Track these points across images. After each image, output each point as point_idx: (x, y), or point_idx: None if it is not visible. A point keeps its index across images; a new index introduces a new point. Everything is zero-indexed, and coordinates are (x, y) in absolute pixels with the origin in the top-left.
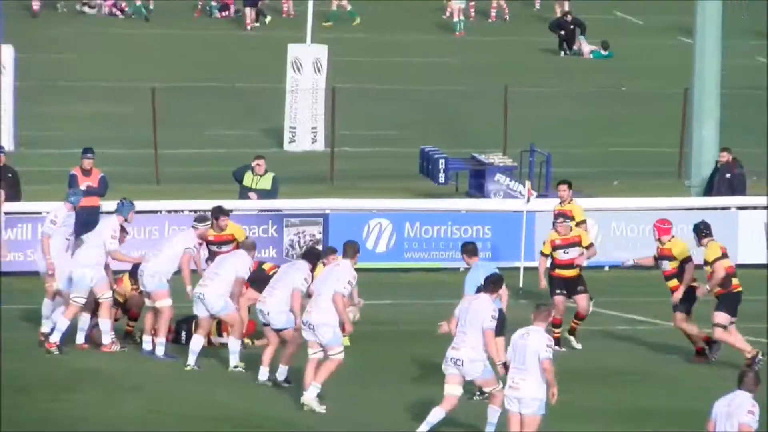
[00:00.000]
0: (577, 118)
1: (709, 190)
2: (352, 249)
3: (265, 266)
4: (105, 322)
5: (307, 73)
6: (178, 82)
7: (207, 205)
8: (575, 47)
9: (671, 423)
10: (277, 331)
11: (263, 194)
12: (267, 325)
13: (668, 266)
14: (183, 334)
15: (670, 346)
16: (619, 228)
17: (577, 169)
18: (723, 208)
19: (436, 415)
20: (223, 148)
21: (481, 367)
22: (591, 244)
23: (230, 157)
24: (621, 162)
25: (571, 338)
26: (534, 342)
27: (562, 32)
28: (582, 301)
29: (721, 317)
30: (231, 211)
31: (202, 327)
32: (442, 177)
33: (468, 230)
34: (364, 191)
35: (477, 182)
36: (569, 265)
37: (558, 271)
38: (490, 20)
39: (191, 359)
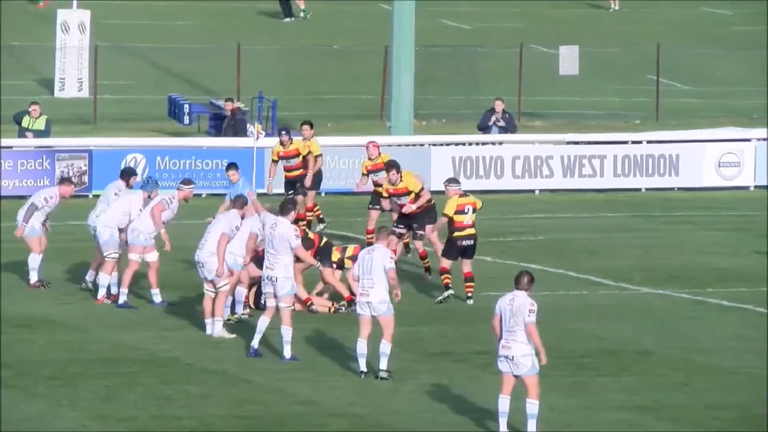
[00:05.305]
0: (295, 71)
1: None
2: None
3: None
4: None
5: (73, 33)
6: None
7: None
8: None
9: None
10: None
11: (38, 134)
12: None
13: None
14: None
15: None
16: (333, 161)
17: (296, 113)
18: (420, 144)
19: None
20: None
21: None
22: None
23: (9, 104)
24: (332, 107)
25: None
26: (379, 257)
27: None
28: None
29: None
30: (11, 147)
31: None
32: (186, 119)
33: (209, 163)
34: (122, 131)
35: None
36: None
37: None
38: None
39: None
